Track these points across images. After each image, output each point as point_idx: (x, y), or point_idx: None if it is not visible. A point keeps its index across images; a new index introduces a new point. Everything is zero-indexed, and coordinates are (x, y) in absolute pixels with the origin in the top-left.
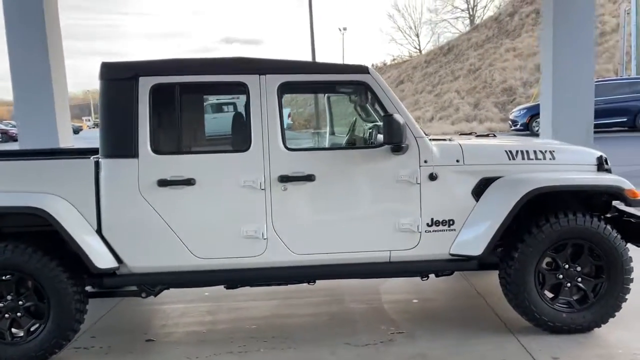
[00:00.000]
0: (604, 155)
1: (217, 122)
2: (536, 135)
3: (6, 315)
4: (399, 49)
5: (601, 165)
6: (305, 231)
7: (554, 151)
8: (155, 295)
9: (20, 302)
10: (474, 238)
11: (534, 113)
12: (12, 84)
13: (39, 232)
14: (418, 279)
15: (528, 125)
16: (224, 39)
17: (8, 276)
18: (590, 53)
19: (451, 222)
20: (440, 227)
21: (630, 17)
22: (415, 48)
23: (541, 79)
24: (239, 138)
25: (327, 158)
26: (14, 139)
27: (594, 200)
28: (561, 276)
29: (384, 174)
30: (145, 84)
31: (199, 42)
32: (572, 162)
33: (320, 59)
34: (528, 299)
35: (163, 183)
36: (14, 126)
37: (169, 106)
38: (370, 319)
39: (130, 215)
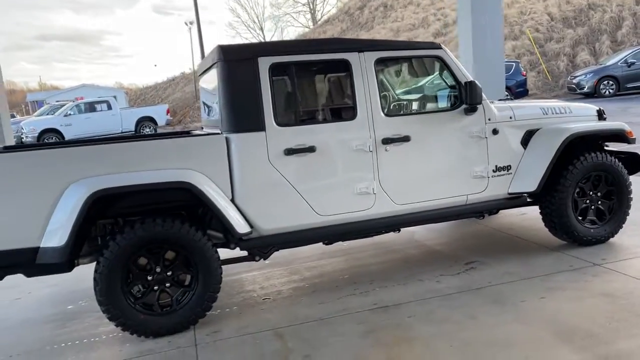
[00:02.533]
0: (602, 108)
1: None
2: (604, 97)
3: (155, 288)
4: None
5: (600, 115)
6: (404, 184)
7: (569, 107)
8: (266, 259)
9: (168, 274)
10: (528, 178)
11: (602, 75)
12: None
13: (170, 207)
14: (451, 228)
15: (596, 88)
16: (40, 36)
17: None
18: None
19: (509, 167)
20: (502, 172)
21: None
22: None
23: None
24: (346, 108)
25: (418, 121)
26: None
27: (594, 142)
28: (588, 201)
29: (461, 131)
30: (265, 64)
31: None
32: (583, 115)
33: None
34: (568, 222)
35: (289, 152)
36: None
37: (286, 82)
38: (438, 259)
39: (261, 182)
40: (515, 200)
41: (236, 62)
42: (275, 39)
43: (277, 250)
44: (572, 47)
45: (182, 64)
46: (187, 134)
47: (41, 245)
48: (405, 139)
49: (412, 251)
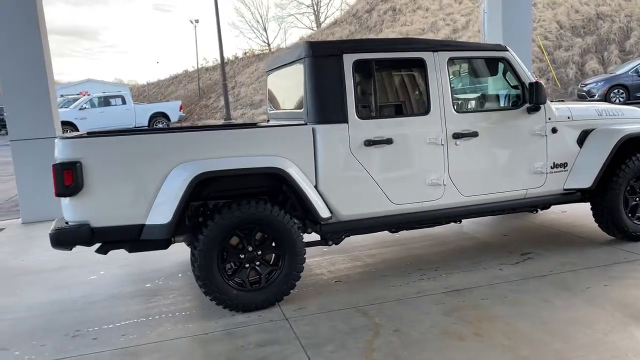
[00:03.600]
0: None
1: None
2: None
3: (246, 266)
4: (248, 42)
5: None
6: (471, 177)
7: (621, 110)
8: (338, 244)
9: (258, 253)
10: (584, 174)
11: (613, 84)
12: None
13: (254, 192)
14: (496, 223)
15: (606, 96)
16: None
17: (248, 230)
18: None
19: (565, 165)
20: (559, 169)
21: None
22: (264, 42)
23: None
24: (420, 104)
25: (485, 118)
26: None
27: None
28: (638, 198)
29: (524, 129)
30: (349, 60)
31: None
32: (634, 117)
33: (172, 50)
34: (620, 218)
35: (368, 143)
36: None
37: (367, 78)
38: (493, 250)
39: (342, 171)
40: (569, 196)
41: (324, 58)
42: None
43: (349, 235)
44: (580, 55)
45: (184, 61)
46: (253, 125)
47: (147, 223)
48: (474, 134)
49: (465, 242)
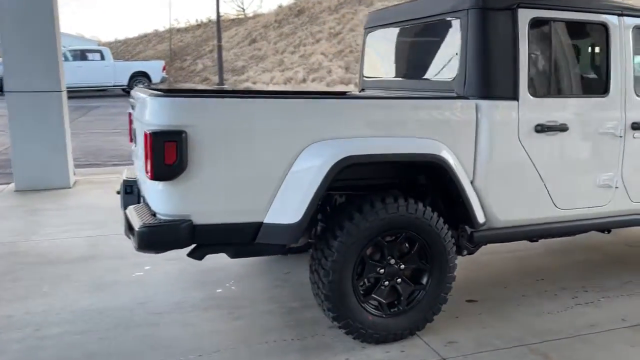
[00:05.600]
0: None
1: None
2: None
3: (385, 283)
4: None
5: None
6: None
7: None
8: (473, 254)
9: (401, 267)
10: None
11: None
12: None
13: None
14: None
15: None
16: None
17: (391, 237)
18: None
19: None
20: None
21: None
22: (239, 7)
23: None
24: (597, 82)
25: None
26: None
27: None
28: None
29: None
30: (525, 17)
31: None
32: None
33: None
34: None
35: (540, 128)
36: None
37: (543, 43)
38: (626, 264)
39: (506, 163)
40: None
41: (495, 11)
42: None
43: (487, 244)
44: None
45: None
46: (343, 94)
47: (265, 221)
48: None
49: (587, 253)
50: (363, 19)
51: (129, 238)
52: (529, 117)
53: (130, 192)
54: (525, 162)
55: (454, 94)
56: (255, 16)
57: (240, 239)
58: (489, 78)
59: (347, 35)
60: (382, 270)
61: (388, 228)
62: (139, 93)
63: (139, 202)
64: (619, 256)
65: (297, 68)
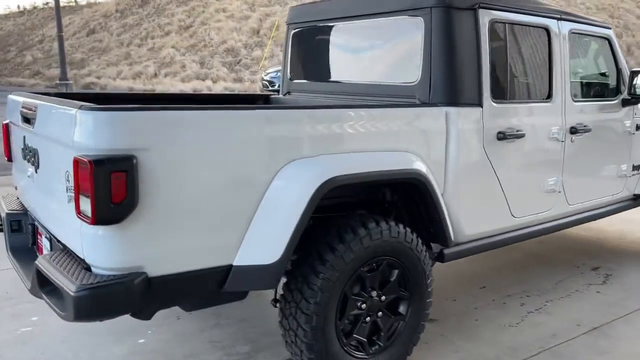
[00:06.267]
0: None
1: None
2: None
3: (367, 319)
4: None
5: None
6: (580, 181)
7: None
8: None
9: (382, 298)
10: None
11: None
12: None
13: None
14: None
15: None
16: None
17: (371, 266)
18: None
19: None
20: (636, 172)
21: None
22: None
23: None
24: (542, 86)
25: (595, 110)
26: None
27: None
28: None
29: (619, 124)
30: (485, 18)
31: None
32: None
33: None
34: None
35: (502, 136)
36: None
37: (499, 46)
38: (553, 264)
39: (472, 174)
40: (635, 202)
41: (458, 10)
42: None
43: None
44: None
45: None
46: (266, 99)
47: (235, 263)
48: (588, 129)
49: (509, 254)
50: (215, 14)
51: (44, 299)
52: (491, 124)
53: (18, 230)
54: (489, 171)
55: (415, 100)
56: (91, 4)
57: (204, 288)
58: (456, 83)
59: (200, 29)
60: (363, 305)
61: (372, 256)
62: (41, 100)
63: (34, 243)
64: (537, 254)
65: (147, 62)
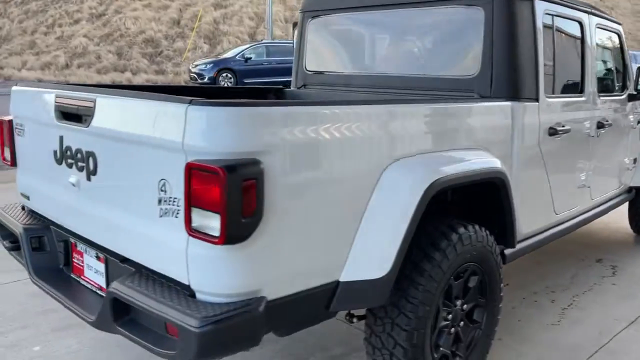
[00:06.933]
0: None
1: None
2: None
3: (451, 330)
4: None
5: None
6: (600, 175)
7: None
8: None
9: (463, 307)
10: None
11: (221, 67)
12: None
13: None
14: None
15: (215, 79)
16: None
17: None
18: None
19: (635, 160)
20: (634, 165)
21: None
22: None
23: None
24: (575, 80)
25: (613, 104)
26: None
27: None
28: None
29: (627, 119)
30: (541, 9)
31: None
32: None
33: None
34: None
35: (552, 132)
36: None
37: (551, 39)
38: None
39: (531, 171)
40: (628, 196)
41: (520, 1)
42: None
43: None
44: None
45: None
46: (280, 91)
47: (342, 279)
48: (609, 124)
49: None
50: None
51: (123, 334)
52: (545, 120)
53: (39, 248)
54: (542, 168)
55: (473, 95)
56: None
57: (314, 309)
58: (518, 76)
59: (114, 18)
60: (449, 316)
61: (462, 263)
62: (102, 93)
63: (66, 264)
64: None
65: (56, 52)
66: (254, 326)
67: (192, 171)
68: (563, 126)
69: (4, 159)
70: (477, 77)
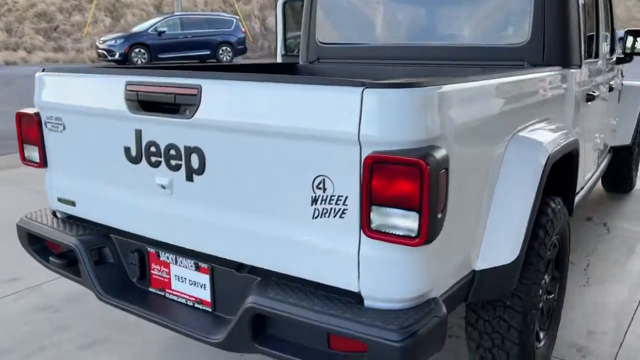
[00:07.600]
0: None
1: None
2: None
3: (540, 306)
4: None
5: None
6: (602, 139)
7: None
8: None
9: (547, 281)
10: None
11: (133, 42)
12: None
13: None
14: None
15: (127, 55)
16: None
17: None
18: None
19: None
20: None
21: None
22: None
23: None
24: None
25: (613, 69)
26: None
27: None
28: None
29: (616, 81)
30: None
31: None
32: None
33: None
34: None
35: (589, 97)
36: None
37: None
38: None
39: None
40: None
41: None
42: None
43: None
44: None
45: None
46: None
47: (477, 268)
48: (612, 87)
49: None
50: None
51: (265, 353)
52: (584, 86)
53: (102, 262)
54: (581, 135)
55: (523, 63)
56: None
57: (456, 304)
58: (569, 43)
59: None
60: (540, 292)
61: (553, 238)
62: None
63: (142, 277)
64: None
65: None
66: (444, 331)
67: (375, 165)
68: (594, 92)
69: (25, 159)
70: (527, 44)
